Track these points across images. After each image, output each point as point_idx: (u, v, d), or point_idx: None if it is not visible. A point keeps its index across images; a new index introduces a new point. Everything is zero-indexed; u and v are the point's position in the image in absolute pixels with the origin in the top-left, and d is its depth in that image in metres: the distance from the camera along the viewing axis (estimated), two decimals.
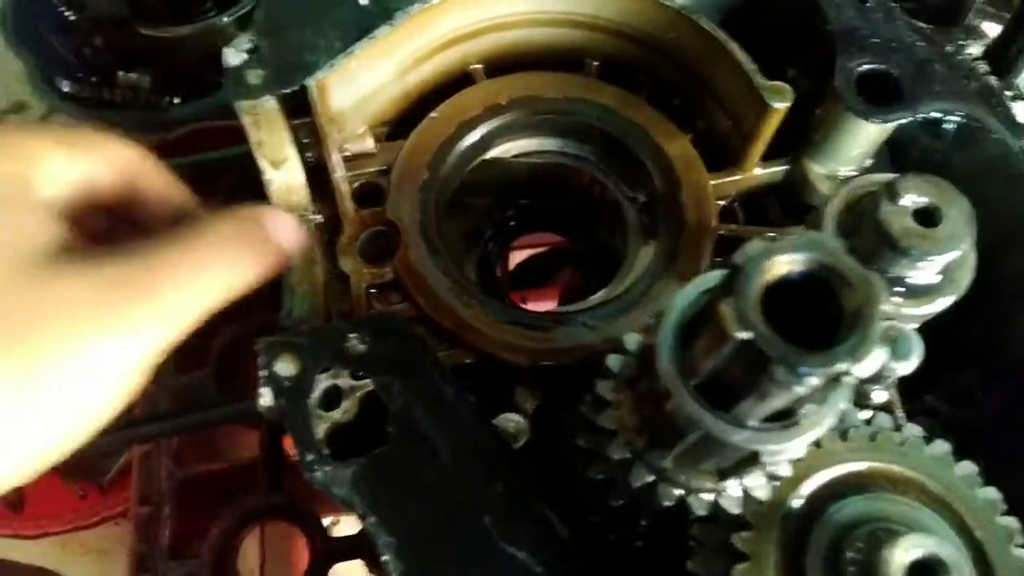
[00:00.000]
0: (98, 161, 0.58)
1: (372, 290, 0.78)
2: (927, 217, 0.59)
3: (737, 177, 0.85)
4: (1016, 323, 0.79)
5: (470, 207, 0.96)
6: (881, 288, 0.36)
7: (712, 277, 0.44)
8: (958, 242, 0.59)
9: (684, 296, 0.44)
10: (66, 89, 1.41)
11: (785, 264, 0.37)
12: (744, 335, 0.35)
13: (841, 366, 0.34)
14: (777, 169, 0.86)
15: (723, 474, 0.50)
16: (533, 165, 0.92)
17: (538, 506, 0.59)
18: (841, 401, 0.42)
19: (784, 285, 0.37)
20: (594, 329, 0.75)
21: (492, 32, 0.89)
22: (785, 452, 0.42)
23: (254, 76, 0.75)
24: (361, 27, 0.79)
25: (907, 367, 0.56)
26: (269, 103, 0.76)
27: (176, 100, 1.44)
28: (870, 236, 0.59)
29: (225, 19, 1.38)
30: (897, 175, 0.60)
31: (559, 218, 1.02)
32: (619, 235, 0.91)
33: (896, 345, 0.55)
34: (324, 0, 0.79)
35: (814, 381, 0.35)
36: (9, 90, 1.65)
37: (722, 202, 0.85)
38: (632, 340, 0.56)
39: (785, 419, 0.41)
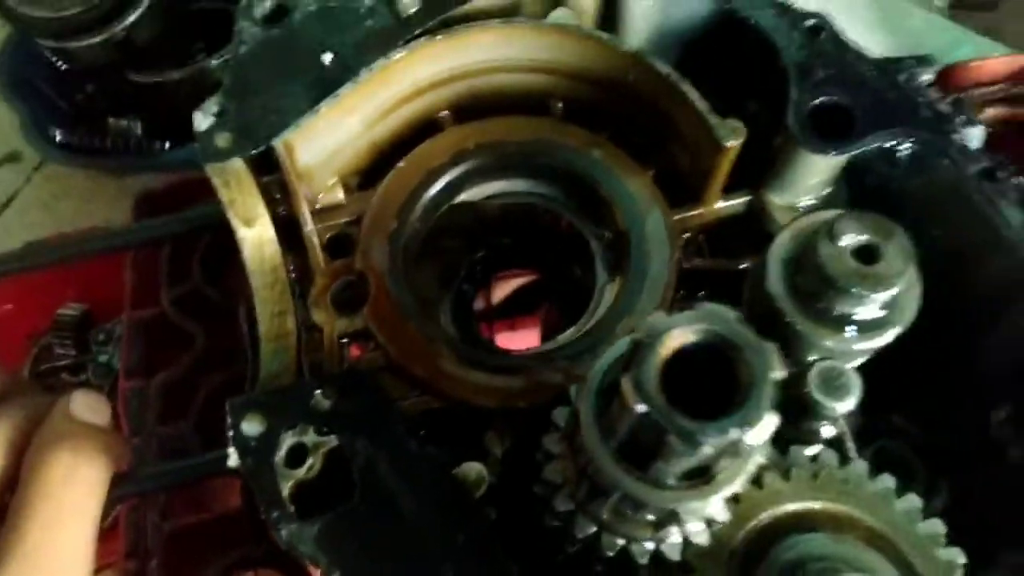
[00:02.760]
0: None
1: (344, 340, 0.80)
2: (867, 255, 0.60)
3: (699, 211, 0.87)
4: (979, 344, 0.80)
5: (444, 249, 0.98)
6: (773, 357, 0.37)
7: (623, 344, 0.45)
8: (897, 279, 0.60)
9: (603, 361, 0.46)
10: (59, 138, 1.45)
11: (682, 336, 0.38)
12: (641, 408, 0.37)
13: (733, 435, 0.36)
14: (738, 201, 0.87)
15: (658, 525, 0.51)
16: (504, 206, 0.94)
17: (499, 556, 0.61)
18: (758, 456, 0.43)
19: (690, 354, 0.39)
20: (561, 370, 0.77)
21: (456, 81, 0.91)
22: (703, 510, 0.44)
23: (222, 139, 0.78)
24: (325, 85, 0.81)
25: (845, 406, 0.57)
26: (237, 164, 0.78)
27: (167, 144, 1.48)
28: (812, 276, 0.61)
29: (215, 62, 1.40)
30: (837, 213, 0.62)
31: (532, 256, 1.04)
32: (588, 272, 0.92)
33: (832, 386, 0.56)
34: (289, 61, 0.82)
35: (709, 450, 0.36)
36: (3, 140, 1.69)
37: (686, 235, 0.87)
38: (576, 391, 0.58)
39: (704, 475, 0.43)
